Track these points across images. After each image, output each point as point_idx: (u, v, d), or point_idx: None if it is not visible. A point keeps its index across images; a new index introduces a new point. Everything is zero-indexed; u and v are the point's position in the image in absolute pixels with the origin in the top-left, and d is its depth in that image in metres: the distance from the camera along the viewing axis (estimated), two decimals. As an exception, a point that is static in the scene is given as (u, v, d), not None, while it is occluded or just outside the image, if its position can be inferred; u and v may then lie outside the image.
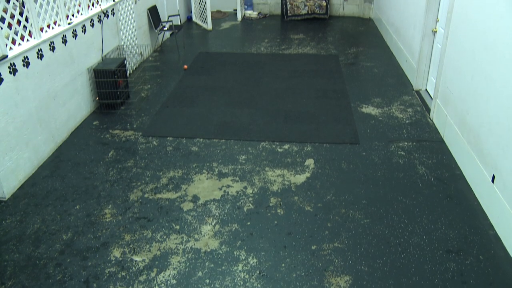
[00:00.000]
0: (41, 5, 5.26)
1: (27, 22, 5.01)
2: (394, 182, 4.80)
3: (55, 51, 5.42)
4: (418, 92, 6.97)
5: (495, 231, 4.07)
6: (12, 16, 4.76)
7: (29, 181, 4.86)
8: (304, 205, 4.44)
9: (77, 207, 4.43)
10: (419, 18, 6.92)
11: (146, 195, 4.61)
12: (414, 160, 5.18)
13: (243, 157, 5.29)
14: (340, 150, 5.40)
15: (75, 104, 5.95)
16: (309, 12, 11.57)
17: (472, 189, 4.65)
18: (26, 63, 4.86)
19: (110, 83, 6.23)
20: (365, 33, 10.52)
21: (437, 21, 6.45)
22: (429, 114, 6.18)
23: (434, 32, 6.54)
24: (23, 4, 4.94)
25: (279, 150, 5.42)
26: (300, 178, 4.88)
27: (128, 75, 7.13)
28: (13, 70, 4.64)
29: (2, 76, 4.46)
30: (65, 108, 5.69)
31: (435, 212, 4.32)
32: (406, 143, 5.54)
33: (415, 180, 4.82)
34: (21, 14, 4.91)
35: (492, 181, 4.21)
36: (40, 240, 3.99)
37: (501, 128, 4.11)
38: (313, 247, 3.90)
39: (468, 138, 4.86)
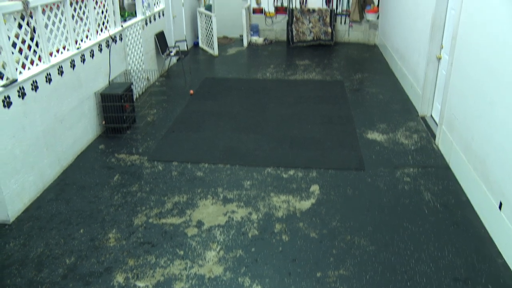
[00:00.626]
0: (51, 31, 5.35)
1: (37, 46, 5.09)
2: (400, 208, 4.76)
3: (63, 75, 5.49)
4: (423, 118, 6.98)
5: (504, 259, 4.02)
6: (23, 41, 4.84)
7: (34, 204, 4.86)
8: (309, 231, 4.41)
9: (81, 231, 4.42)
10: (423, 45, 6.98)
11: (150, 220, 4.59)
12: (419, 187, 5.15)
13: (248, 182, 5.28)
14: (345, 176, 5.39)
15: (82, 127, 5.99)
16: (315, 38, 11.69)
17: (479, 216, 4.60)
18: (35, 87, 4.92)
19: (116, 107, 6.28)
20: (370, 59, 10.61)
21: (442, 47, 6.50)
22: (435, 140, 6.18)
23: (439, 59, 6.58)
24: (34, 30, 5.03)
25: (284, 176, 5.41)
26: (305, 204, 4.85)
27: (134, 99, 7.19)
28: (22, 94, 4.69)
29: (11, 100, 4.51)
30: (71, 132, 5.72)
31: (441, 239, 4.27)
32: (411, 169, 5.52)
33: (421, 207, 4.78)
34: (31, 39, 4.99)
35: (500, 208, 4.17)
36: (43, 264, 3.97)
37: (507, 154, 4.09)
38: (318, 274, 3.85)
39: (474, 165, 4.84)
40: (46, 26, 5.26)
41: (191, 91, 8.22)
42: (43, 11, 5.17)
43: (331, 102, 7.77)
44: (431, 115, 6.90)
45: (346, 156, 5.86)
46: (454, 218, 4.59)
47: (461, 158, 5.20)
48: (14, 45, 4.67)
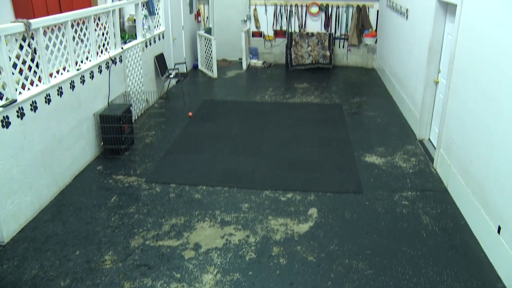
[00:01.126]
0: (51, 52, 5.39)
1: (37, 67, 5.13)
2: (398, 232, 4.74)
3: (62, 96, 5.51)
4: (421, 141, 6.99)
5: (503, 283, 3.98)
6: (24, 62, 4.87)
7: (29, 225, 4.82)
8: (307, 255, 4.37)
9: (77, 252, 4.38)
10: (421, 69, 7.04)
11: (147, 242, 4.55)
12: (418, 210, 5.13)
13: (246, 205, 5.25)
14: (343, 200, 5.37)
15: (80, 148, 5.99)
16: (313, 62, 11.79)
17: (478, 240, 4.58)
18: (34, 108, 4.94)
19: (115, 128, 6.29)
20: (369, 83, 10.68)
21: (439, 71, 6.56)
22: (433, 164, 6.18)
23: (436, 83, 6.63)
24: (35, 51, 5.07)
25: (282, 198, 5.39)
26: (303, 227, 4.82)
27: (133, 121, 7.20)
28: (21, 114, 4.70)
29: (10, 120, 4.52)
30: (69, 153, 5.72)
31: (440, 263, 4.24)
32: (409, 193, 5.51)
33: (419, 230, 4.76)
34: (32, 60, 5.03)
35: (498, 232, 4.16)
36: (37, 287, 3.92)
37: (506, 178, 4.09)
38: (316, 299, 3.81)
39: (472, 188, 4.83)
40: (47, 47, 5.31)
41: (190, 113, 8.24)
42: (44, 33, 5.22)
43: (330, 125, 7.80)
44: (429, 139, 6.92)
45: (344, 179, 5.85)
46: (452, 242, 4.56)
47: (459, 181, 5.20)
48: (14, 65, 4.70)
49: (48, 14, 6.63)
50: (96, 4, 8.37)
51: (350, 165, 6.23)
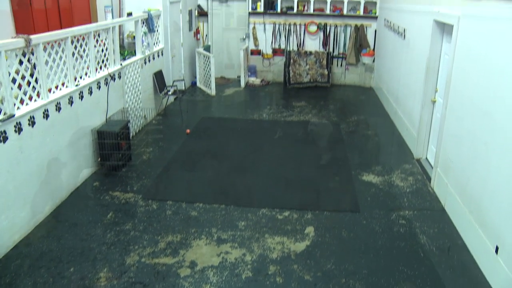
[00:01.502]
0: (51, 67, 5.41)
1: (36, 83, 5.14)
2: (395, 251, 4.71)
3: (61, 111, 5.52)
4: (418, 160, 7.00)
5: (501, 305, 3.95)
6: (23, 77, 4.88)
7: (24, 241, 4.77)
8: (304, 273, 4.34)
9: (72, 269, 4.33)
10: (418, 88, 7.08)
11: (143, 259, 4.51)
12: (415, 229, 5.11)
13: (243, 223, 5.23)
14: (340, 218, 5.35)
15: (77, 164, 5.97)
16: (311, 80, 11.85)
17: (476, 260, 4.55)
18: (32, 123, 4.93)
19: (112, 145, 6.28)
20: (366, 102, 10.73)
21: (436, 91, 6.60)
22: (430, 183, 6.18)
23: (433, 102, 6.67)
24: (34, 66, 5.09)
25: (279, 217, 5.37)
26: (300, 246, 4.79)
27: (131, 137, 7.20)
28: (19, 129, 4.70)
29: (7, 135, 4.51)
30: (66, 168, 5.70)
31: (438, 283, 4.21)
32: (407, 212, 5.49)
33: (417, 250, 4.73)
34: (31, 75, 5.04)
35: (496, 252, 4.13)
36: (31, 304, 3.87)
37: (503, 198, 4.09)
38: (313, 318, 3.76)
39: (469, 208, 4.82)
40: (47, 62, 5.33)
41: (188, 130, 8.25)
42: (44, 48, 5.25)
43: (327, 143, 7.81)
44: (426, 158, 6.93)
45: (341, 198, 5.84)
46: (450, 262, 4.53)
47: (456, 201, 5.19)
48: (13, 80, 4.71)
49: (48, 29, 6.69)
50: (96, 20, 8.44)
51: (347, 184, 6.22)
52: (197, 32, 12.38)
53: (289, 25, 12.13)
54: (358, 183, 6.25)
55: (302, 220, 5.29)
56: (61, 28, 7.12)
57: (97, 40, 6.56)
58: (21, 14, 6.79)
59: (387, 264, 4.49)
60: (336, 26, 12.01)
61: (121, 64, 7.31)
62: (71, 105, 5.76)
